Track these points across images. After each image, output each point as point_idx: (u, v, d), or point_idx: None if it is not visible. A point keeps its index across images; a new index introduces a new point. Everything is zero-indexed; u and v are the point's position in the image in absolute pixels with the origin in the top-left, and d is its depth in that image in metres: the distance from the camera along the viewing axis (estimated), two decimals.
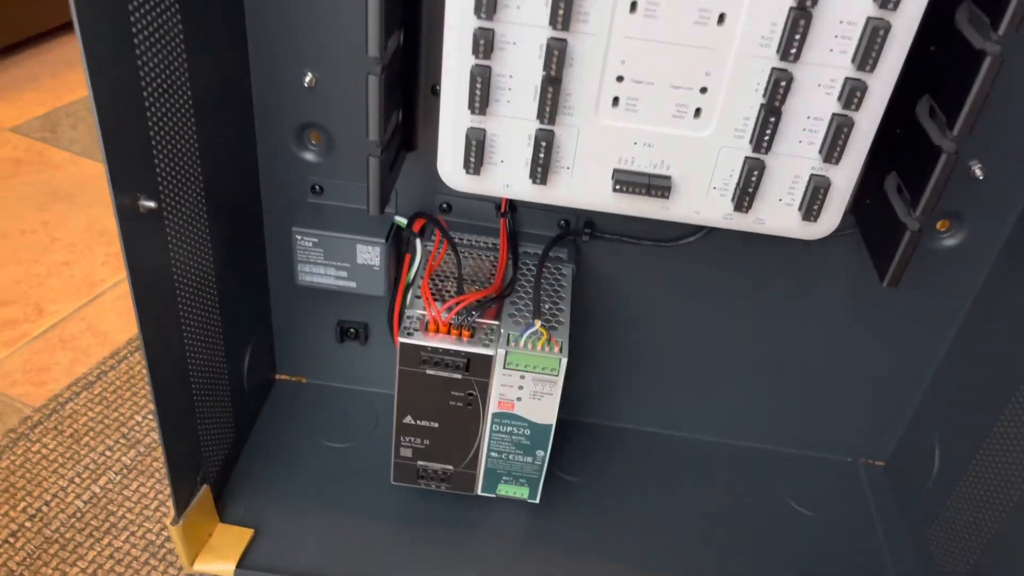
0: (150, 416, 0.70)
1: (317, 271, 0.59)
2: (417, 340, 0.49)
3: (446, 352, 0.50)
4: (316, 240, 0.57)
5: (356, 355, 0.68)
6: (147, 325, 0.43)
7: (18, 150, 1.05)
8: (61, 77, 1.22)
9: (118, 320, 0.79)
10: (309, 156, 0.58)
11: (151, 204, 0.40)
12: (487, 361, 0.50)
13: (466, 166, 0.45)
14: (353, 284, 0.59)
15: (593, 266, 0.60)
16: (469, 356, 0.50)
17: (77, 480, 0.64)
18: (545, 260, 0.55)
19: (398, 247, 0.59)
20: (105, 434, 0.68)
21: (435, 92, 0.52)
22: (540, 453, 0.54)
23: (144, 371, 0.73)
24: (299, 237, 0.57)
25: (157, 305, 0.45)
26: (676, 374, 0.65)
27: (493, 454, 0.54)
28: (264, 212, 0.61)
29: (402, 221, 0.59)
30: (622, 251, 0.59)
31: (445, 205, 0.59)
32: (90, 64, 0.35)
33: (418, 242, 0.59)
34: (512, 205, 0.58)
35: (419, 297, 0.52)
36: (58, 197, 0.96)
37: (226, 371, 0.57)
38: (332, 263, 0.58)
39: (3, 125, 1.10)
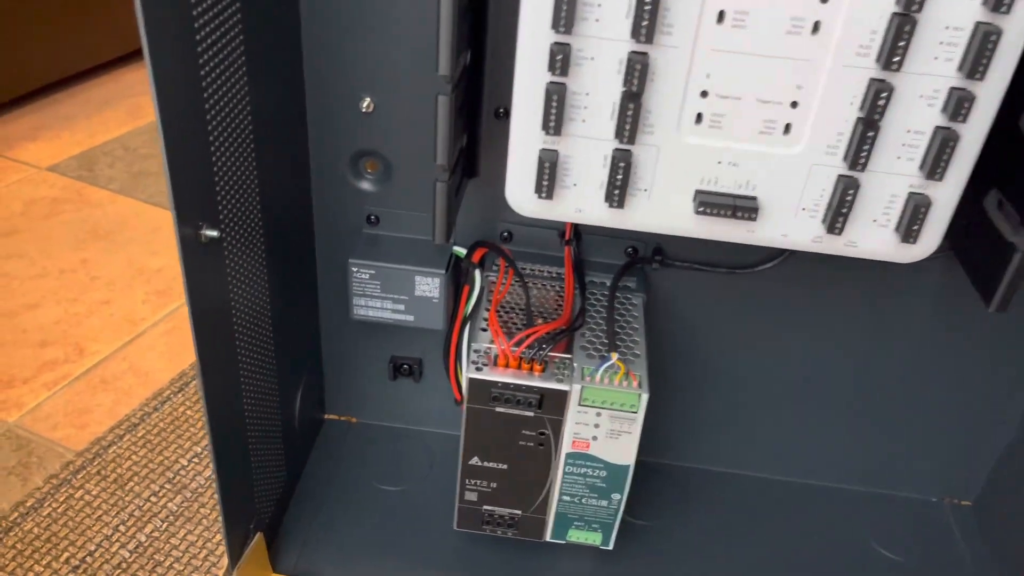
0: (196, 459, 0.68)
1: (373, 304, 0.57)
2: (487, 375, 0.47)
3: (518, 388, 0.47)
4: (373, 272, 0.56)
5: (409, 393, 0.66)
6: (206, 360, 0.42)
7: (55, 189, 1.05)
8: (96, 117, 1.23)
9: (160, 359, 0.78)
10: (365, 185, 0.56)
11: (213, 233, 0.39)
12: (562, 397, 0.48)
13: (538, 190, 0.44)
14: (411, 318, 0.57)
15: (663, 296, 0.57)
16: (543, 392, 0.47)
17: (122, 528, 0.62)
18: (616, 290, 0.53)
19: (456, 279, 0.58)
20: (150, 479, 0.67)
21: (499, 115, 0.51)
22: (616, 496, 0.51)
23: (188, 413, 0.72)
24: (355, 269, 0.56)
25: (215, 339, 0.44)
26: (752, 410, 0.62)
27: (565, 498, 0.52)
28: (317, 244, 0.59)
29: (460, 251, 0.58)
30: (694, 279, 0.57)
31: (506, 233, 0.57)
32: (159, 90, 0.33)
33: (477, 273, 0.57)
34: (577, 232, 0.56)
35: (485, 330, 0.50)
36: (97, 235, 0.96)
37: (279, 410, 0.56)
38: (389, 296, 0.56)
39: (41, 164, 1.11)
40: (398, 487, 0.63)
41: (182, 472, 0.67)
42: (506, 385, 0.47)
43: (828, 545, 0.61)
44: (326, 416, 0.68)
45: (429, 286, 0.56)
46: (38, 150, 1.14)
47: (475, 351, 0.49)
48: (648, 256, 0.56)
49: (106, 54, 1.34)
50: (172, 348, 0.78)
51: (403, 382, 0.65)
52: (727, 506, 0.62)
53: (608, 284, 0.55)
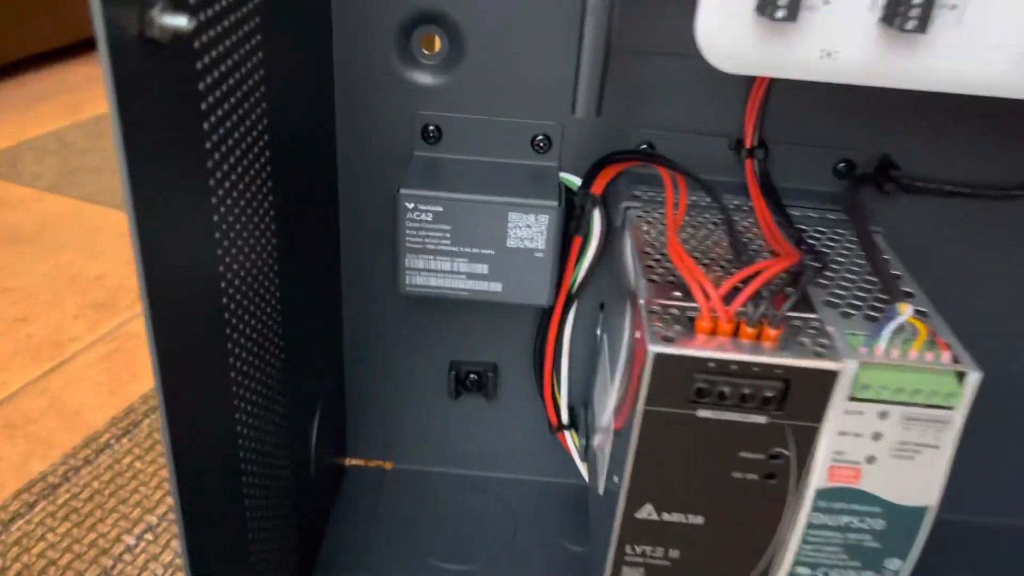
0: (148, 536, 0.45)
1: (438, 265, 0.36)
2: (686, 349, 0.26)
3: (747, 370, 0.26)
4: (440, 209, 0.34)
5: (478, 418, 0.44)
6: (172, 364, 0.20)
7: None
8: (30, 111, 1.02)
9: (95, 393, 0.55)
10: (420, 76, 0.36)
11: (178, 21, 0.18)
12: (823, 385, 0.26)
13: (765, 7, 0.24)
14: (497, 287, 0.36)
15: (895, 232, 0.37)
16: (788, 375, 0.26)
17: None
18: (860, 214, 0.33)
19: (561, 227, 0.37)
20: (76, 569, 0.43)
21: None
22: (894, 565, 0.29)
23: (138, 465, 0.49)
24: (409, 206, 0.34)
25: (188, 320, 0.22)
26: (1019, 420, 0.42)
27: (803, 570, 0.30)
28: (341, 176, 0.38)
29: (572, 181, 0.37)
30: (934, 208, 0.37)
31: (646, 146, 0.37)
32: None
33: (596, 215, 0.36)
34: (761, 140, 0.36)
35: (656, 280, 0.29)
36: (15, 239, 0.73)
37: (287, 452, 0.34)
38: (464, 250, 0.35)
39: None
40: (467, 565, 0.40)
41: (126, 558, 0.44)
42: (724, 365, 0.26)
43: None
44: (348, 462, 0.46)
45: (531, 230, 0.35)
46: None
47: (651, 311, 0.28)
48: (872, 174, 0.36)
49: (49, 43, 1.13)
50: (114, 376, 0.56)
51: (469, 401, 0.44)
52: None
53: (814, 214, 0.34)
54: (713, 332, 0.27)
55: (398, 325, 0.42)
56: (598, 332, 0.41)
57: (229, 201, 0.24)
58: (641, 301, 0.28)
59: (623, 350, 0.30)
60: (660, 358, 0.26)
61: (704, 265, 0.30)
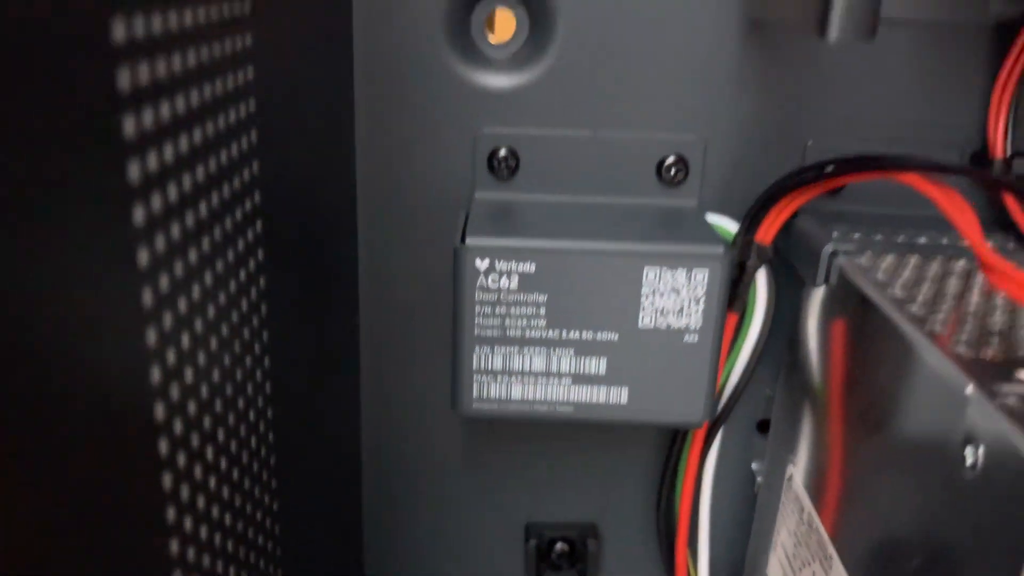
0: None
1: (526, 364, 0.22)
2: None
3: None
4: (532, 269, 0.22)
5: None
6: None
7: None
8: None
9: None
10: (486, 76, 0.24)
11: None
12: None
13: None
14: (621, 396, 0.23)
15: None
16: None
17: None
18: None
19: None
20: None
21: None
22: None
23: None
24: (482, 265, 0.22)
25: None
26: None
27: None
28: (362, 246, 0.25)
29: (724, 227, 0.24)
30: None
31: (832, 167, 0.24)
32: None
33: (763, 277, 0.24)
34: (1017, 150, 0.24)
35: (965, 349, 0.16)
36: None
37: None
38: (569, 336, 0.22)
39: None
40: None
41: None
42: None
43: None
44: None
45: (680, 296, 0.22)
46: None
47: (990, 401, 0.14)
48: None
49: None
50: None
51: None
52: None
53: None
54: None
55: (450, 470, 0.28)
56: (755, 469, 0.28)
57: (178, 279, 0.12)
58: (970, 388, 0.15)
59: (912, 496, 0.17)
60: None
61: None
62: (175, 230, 0.12)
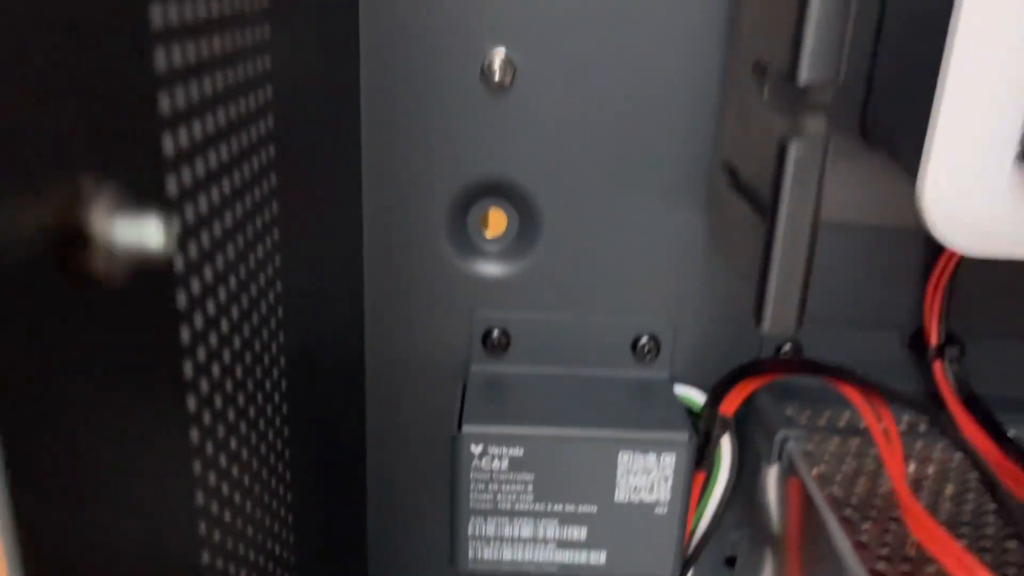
0: None
1: (515, 531, 0.25)
2: None
3: None
4: (520, 453, 0.25)
5: None
6: None
7: None
8: None
9: None
10: (481, 266, 0.27)
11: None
12: None
13: None
14: (600, 558, 0.26)
15: None
16: None
17: None
18: None
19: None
20: None
21: None
22: None
23: None
24: (476, 450, 0.25)
25: None
26: None
27: None
28: (370, 416, 0.28)
29: (692, 398, 0.28)
30: None
31: (789, 347, 0.28)
32: None
33: (726, 443, 0.27)
34: (951, 334, 0.27)
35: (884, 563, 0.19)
36: None
37: None
38: (553, 508, 0.25)
39: None
40: None
41: None
42: None
43: None
44: None
45: (650, 476, 0.25)
46: None
47: None
48: None
49: None
50: None
51: None
52: None
53: None
54: None
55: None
56: None
57: (223, 450, 0.14)
58: None
59: None
60: None
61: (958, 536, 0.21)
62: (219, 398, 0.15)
